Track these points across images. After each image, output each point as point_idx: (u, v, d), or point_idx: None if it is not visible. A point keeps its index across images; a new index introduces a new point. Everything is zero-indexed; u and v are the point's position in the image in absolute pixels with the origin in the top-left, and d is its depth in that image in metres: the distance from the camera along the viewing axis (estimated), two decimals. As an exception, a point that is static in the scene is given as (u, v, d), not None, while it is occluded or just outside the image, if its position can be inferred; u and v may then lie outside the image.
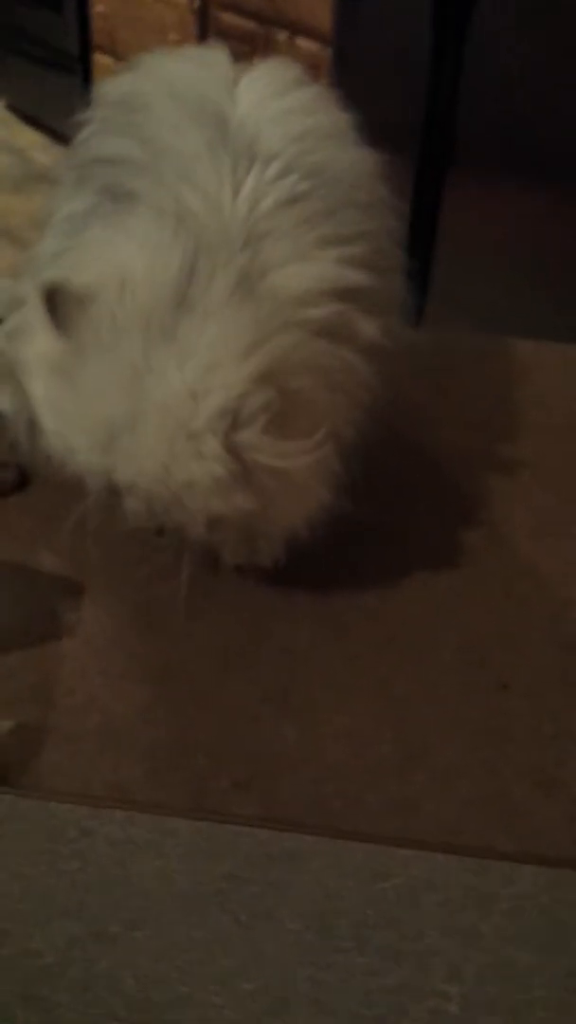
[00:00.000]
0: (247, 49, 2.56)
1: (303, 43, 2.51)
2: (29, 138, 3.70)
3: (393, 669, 0.69)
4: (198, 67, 0.72)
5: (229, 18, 2.73)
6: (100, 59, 3.32)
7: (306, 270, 0.62)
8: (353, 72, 2.18)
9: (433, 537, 0.80)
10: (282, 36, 2.45)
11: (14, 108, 3.90)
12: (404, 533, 0.80)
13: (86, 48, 3.37)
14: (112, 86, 0.76)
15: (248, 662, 0.68)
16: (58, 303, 0.60)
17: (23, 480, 0.81)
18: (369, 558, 0.78)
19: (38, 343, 0.62)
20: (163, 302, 0.59)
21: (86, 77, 3.40)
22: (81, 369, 0.60)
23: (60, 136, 3.59)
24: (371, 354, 0.64)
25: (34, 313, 0.61)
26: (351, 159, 0.68)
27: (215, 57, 0.72)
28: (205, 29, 2.85)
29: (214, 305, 0.59)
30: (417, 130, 2.04)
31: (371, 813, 0.60)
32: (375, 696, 0.67)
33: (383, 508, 0.82)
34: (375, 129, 0.72)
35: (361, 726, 0.65)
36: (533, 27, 1.72)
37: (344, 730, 0.64)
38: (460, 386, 0.97)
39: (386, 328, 0.65)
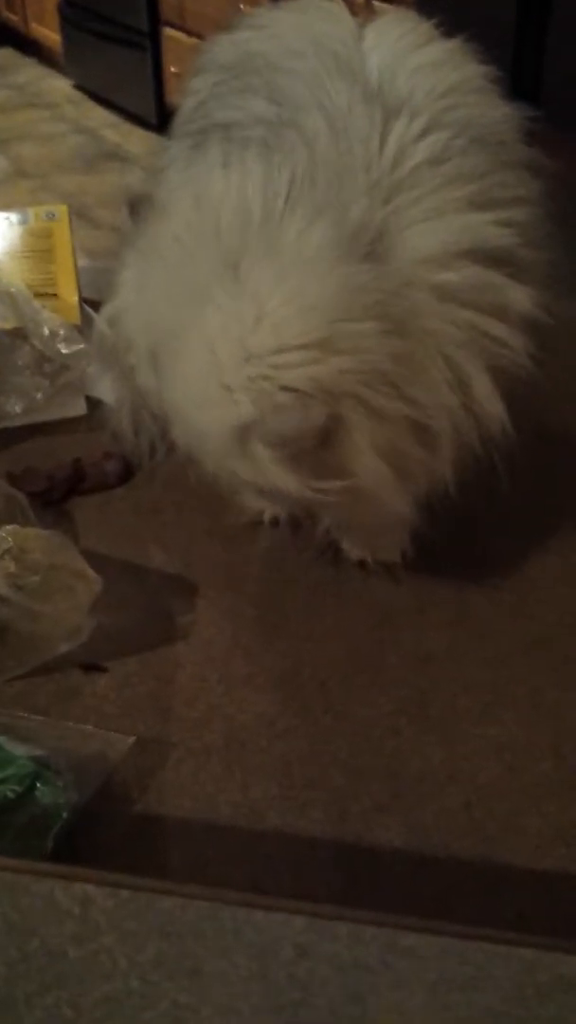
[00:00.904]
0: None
1: (380, 5, 2.41)
2: (100, 117, 3.67)
3: (543, 674, 0.62)
4: (319, 20, 0.65)
5: (301, -18, 2.65)
6: (170, 34, 3.26)
7: (444, 227, 0.55)
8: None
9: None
10: (358, -3, 2.36)
11: (83, 88, 3.88)
12: (546, 522, 0.73)
13: (155, 24, 3.31)
14: (221, 49, 0.70)
15: (380, 668, 0.62)
16: (139, 211, 0.57)
17: (128, 472, 0.76)
18: (508, 551, 0.71)
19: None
20: (235, 228, 0.52)
21: (156, 53, 3.35)
22: (148, 274, 0.56)
23: (130, 114, 3.57)
24: (523, 327, 0.57)
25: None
26: (500, 116, 0.61)
27: (333, 9, 0.66)
28: (276, -5, 2.78)
29: (300, 251, 0.51)
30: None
31: (531, 840, 0.53)
32: (526, 705, 0.60)
33: (523, 495, 0.75)
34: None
35: (513, 740, 0.58)
36: None
37: (494, 745, 0.58)
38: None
39: (540, 300, 0.58)
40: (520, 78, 1.76)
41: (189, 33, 3.16)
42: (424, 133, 0.56)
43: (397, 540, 0.69)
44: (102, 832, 0.53)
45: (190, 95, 0.71)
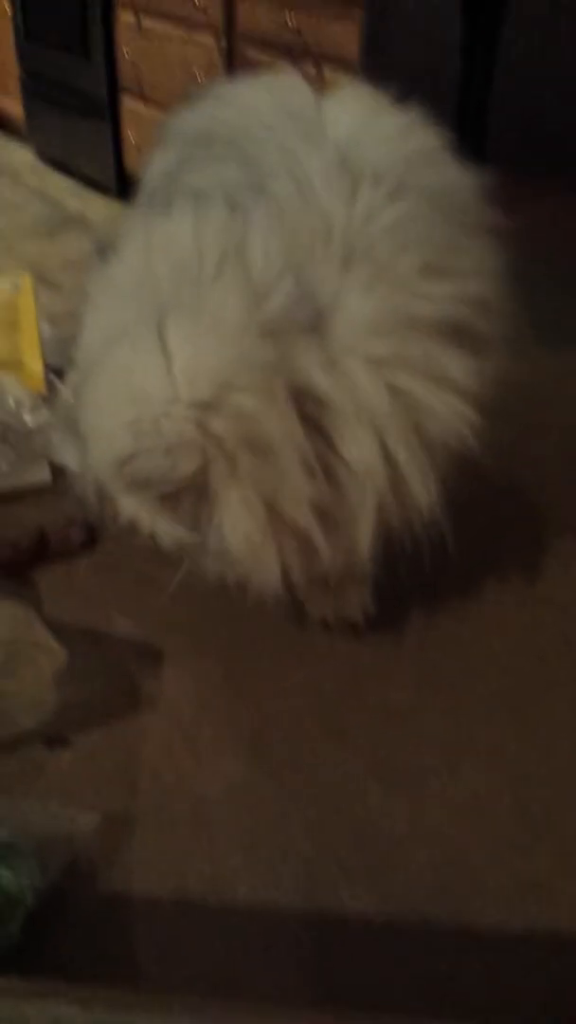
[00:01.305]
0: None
1: (331, 74, 2.49)
2: (61, 184, 3.73)
3: (505, 731, 0.62)
4: (282, 92, 0.68)
5: (256, 54, 2.72)
6: (128, 102, 3.34)
7: (389, 295, 0.55)
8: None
9: (541, 583, 0.74)
10: (310, 68, 2.44)
11: (44, 155, 3.95)
12: (506, 579, 0.74)
13: (114, 93, 3.39)
14: (185, 121, 0.72)
15: (346, 727, 0.62)
16: (105, 257, 0.58)
17: (92, 538, 0.76)
18: (467, 605, 0.72)
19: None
20: (171, 279, 0.54)
21: (115, 122, 3.42)
22: (90, 314, 0.58)
23: (91, 181, 3.63)
24: (466, 398, 0.56)
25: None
26: (460, 182, 0.62)
27: (292, 82, 0.68)
28: (232, 67, 2.86)
29: (217, 315, 0.52)
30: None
31: (500, 899, 0.53)
32: (489, 763, 0.60)
33: (480, 551, 0.76)
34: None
35: (478, 797, 0.58)
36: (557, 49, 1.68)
37: (460, 803, 0.58)
38: (557, 421, 0.91)
39: (491, 371, 0.57)
40: (463, 128, 1.82)
41: (147, 102, 3.24)
42: (389, 199, 0.56)
43: (360, 598, 0.70)
44: (70, 914, 0.52)
45: (155, 165, 0.73)
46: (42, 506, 0.81)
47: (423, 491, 0.56)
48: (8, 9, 3.80)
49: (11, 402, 0.84)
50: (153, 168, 0.73)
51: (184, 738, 0.62)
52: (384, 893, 0.53)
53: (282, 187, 0.57)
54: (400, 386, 0.54)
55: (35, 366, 0.89)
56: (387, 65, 2.08)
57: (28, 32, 3.73)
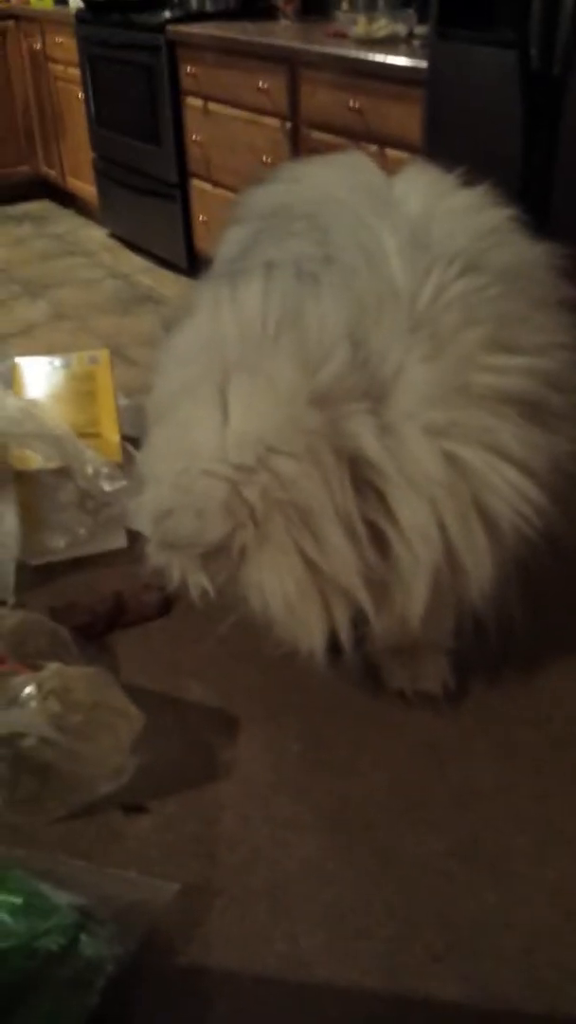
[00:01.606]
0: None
1: (393, 153, 2.57)
2: (134, 263, 3.87)
3: (596, 809, 0.60)
4: (352, 170, 0.70)
5: (319, 136, 2.82)
6: (198, 185, 3.47)
7: (450, 366, 0.55)
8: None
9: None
10: (372, 148, 2.51)
11: (117, 236, 4.11)
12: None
13: (184, 176, 3.53)
14: (260, 198, 0.75)
15: (428, 805, 0.61)
16: (171, 329, 0.60)
17: (167, 603, 0.77)
18: (553, 680, 0.70)
19: None
20: (236, 339, 0.54)
21: (185, 203, 3.56)
22: (161, 374, 0.59)
23: (162, 260, 3.76)
24: (520, 469, 0.55)
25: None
26: (532, 256, 0.63)
27: (360, 161, 0.70)
28: (297, 148, 2.96)
29: (273, 379, 0.52)
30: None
31: (595, 990, 0.51)
32: (580, 843, 0.58)
33: (565, 623, 0.75)
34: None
35: (570, 881, 0.56)
36: None
37: (550, 887, 0.56)
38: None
39: (552, 445, 0.56)
40: (527, 204, 1.85)
41: (215, 184, 3.36)
42: (461, 274, 0.57)
43: (438, 669, 0.68)
44: (147, 985, 0.51)
45: (228, 244, 0.75)
46: (118, 571, 0.82)
47: (478, 563, 0.55)
48: (81, 96, 4.01)
49: (89, 470, 0.86)
50: (227, 244, 0.75)
51: (260, 810, 0.61)
52: (472, 980, 0.51)
53: (352, 256, 0.58)
54: (458, 455, 0.54)
55: (112, 436, 0.91)
56: (449, 144, 2.13)
57: (100, 118, 3.92)
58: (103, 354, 0.96)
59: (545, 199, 1.77)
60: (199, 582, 0.56)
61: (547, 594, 0.75)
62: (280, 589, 0.53)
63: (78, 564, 0.83)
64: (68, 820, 0.60)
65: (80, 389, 0.92)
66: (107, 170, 4.00)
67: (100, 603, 0.77)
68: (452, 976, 0.51)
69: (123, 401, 0.96)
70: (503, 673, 0.70)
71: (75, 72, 4.05)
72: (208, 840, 0.59)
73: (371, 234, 0.60)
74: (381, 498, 0.53)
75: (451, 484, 0.53)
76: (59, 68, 4.23)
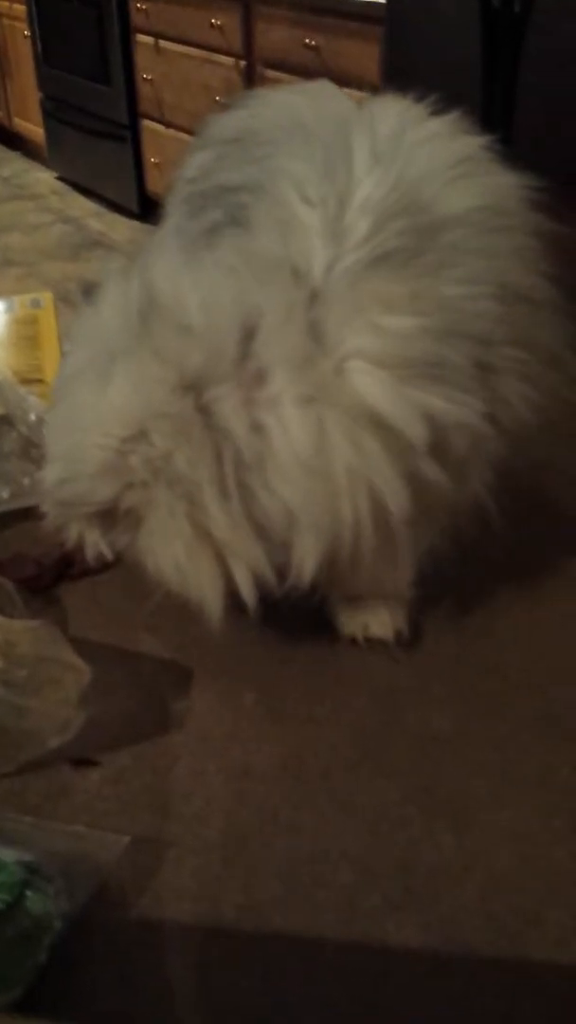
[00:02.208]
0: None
1: (350, 93, 2.50)
2: (83, 207, 3.76)
3: (554, 752, 0.60)
4: (318, 99, 0.66)
5: (275, 75, 2.74)
6: (149, 125, 3.36)
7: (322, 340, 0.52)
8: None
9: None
10: (329, 87, 2.45)
11: (66, 179, 3.98)
12: (547, 593, 0.71)
13: (135, 117, 3.42)
14: (224, 122, 0.71)
15: (385, 751, 0.60)
16: (89, 298, 0.61)
17: (118, 555, 0.74)
18: (510, 624, 0.69)
19: None
20: (112, 329, 0.56)
21: (136, 145, 3.45)
22: (70, 352, 0.62)
23: (113, 204, 3.66)
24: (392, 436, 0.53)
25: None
26: (501, 192, 0.59)
27: (329, 89, 0.67)
28: (251, 87, 2.88)
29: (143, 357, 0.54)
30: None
31: (552, 933, 0.50)
32: (538, 787, 0.57)
33: (521, 566, 0.74)
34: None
35: (527, 825, 0.55)
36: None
37: (508, 831, 0.55)
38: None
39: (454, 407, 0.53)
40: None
41: (167, 124, 3.27)
42: (392, 221, 0.54)
43: (392, 617, 0.67)
44: (98, 940, 0.50)
45: (189, 167, 0.72)
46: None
47: (361, 529, 0.55)
48: (27, 33, 3.85)
49: (32, 417, 0.83)
50: (188, 167, 0.72)
51: (215, 761, 0.59)
52: (430, 925, 0.51)
53: (277, 199, 0.56)
54: (327, 426, 0.53)
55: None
56: (408, 82, 2.08)
57: (47, 57, 3.77)
58: (47, 297, 0.92)
59: (505, 140, 1.73)
60: (95, 541, 0.59)
61: (504, 544, 0.74)
62: (169, 552, 0.56)
63: (23, 515, 0.80)
64: (15, 776, 0.58)
65: (22, 333, 0.88)
66: (55, 111, 3.86)
67: (46, 555, 0.74)
68: (411, 923, 0.51)
69: (68, 348, 0.92)
70: (460, 619, 0.69)
71: (20, 8, 3.88)
72: (160, 792, 0.57)
73: (305, 174, 0.57)
74: (259, 471, 0.54)
75: (323, 459, 0.53)
76: (4, 4, 4.06)
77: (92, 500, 0.56)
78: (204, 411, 0.53)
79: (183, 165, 0.74)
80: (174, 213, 0.72)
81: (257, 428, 0.53)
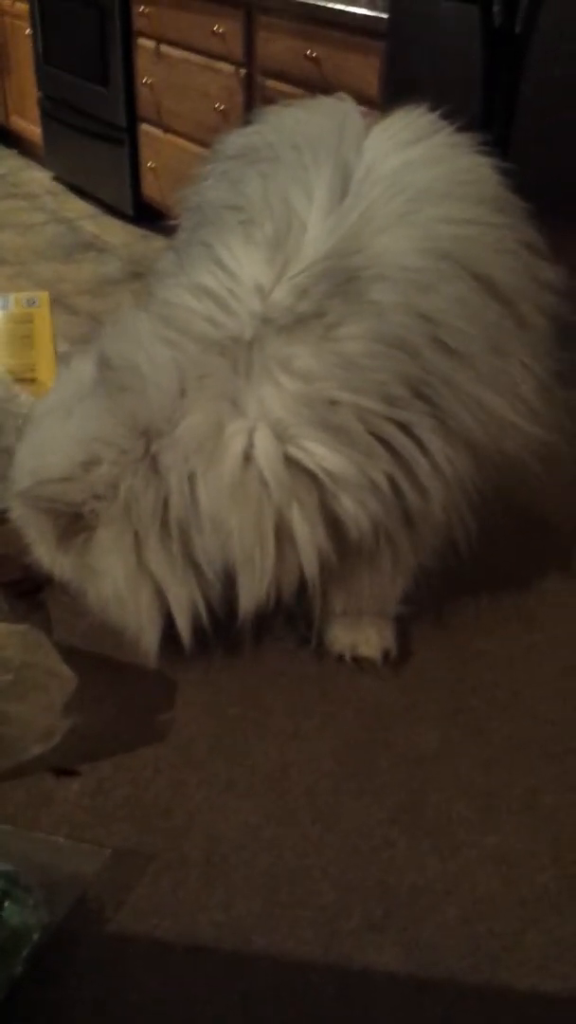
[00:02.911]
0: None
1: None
2: (78, 208, 3.75)
3: (540, 775, 0.59)
4: (325, 117, 0.66)
5: (275, 85, 2.74)
6: (147, 129, 3.36)
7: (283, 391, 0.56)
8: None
9: (569, 618, 0.71)
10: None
11: (62, 180, 3.97)
12: (540, 617, 0.71)
13: (133, 120, 3.42)
14: (231, 140, 0.71)
15: (370, 769, 0.59)
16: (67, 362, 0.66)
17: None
18: (498, 644, 0.69)
19: None
20: (84, 379, 0.61)
21: (133, 148, 3.44)
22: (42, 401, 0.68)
23: (108, 206, 3.64)
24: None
25: None
26: (455, 221, 0.59)
27: (342, 107, 0.67)
28: (251, 97, 2.88)
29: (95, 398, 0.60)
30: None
31: (534, 959, 0.50)
32: (523, 810, 0.57)
33: (510, 587, 0.74)
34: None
35: (511, 849, 0.55)
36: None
37: (491, 854, 0.55)
38: None
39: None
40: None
41: (165, 130, 3.26)
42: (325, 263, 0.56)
43: (380, 637, 0.67)
44: (75, 954, 0.49)
45: (197, 182, 0.72)
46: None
47: (307, 560, 0.58)
48: (28, 32, 3.84)
49: (25, 412, 0.82)
50: (196, 182, 0.72)
51: (197, 774, 0.59)
52: (411, 948, 0.50)
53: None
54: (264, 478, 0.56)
55: (50, 382, 0.87)
56: (407, 98, 2.09)
57: (48, 56, 3.76)
58: (42, 297, 0.92)
59: (502, 159, 1.74)
60: (45, 553, 0.63)
61: (495, 564, 0.74)
62: (111, 578, 0.59)
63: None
64: (-5, 783, 0.57)
65: (17, 332, 0.88)
66: (53, 110, 3.85)
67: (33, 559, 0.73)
68: (391, 945, 0.50)
69: (63, 348, 0.91)
70: (448, 640, 0.69)
71: (23, 7, 3.87)
72: (142, 805, 0.57)
73: (266, 208, 0.59)
74: (194, 518, 0.58)
75: (240, 515, 0.57)
76: (6, 2, 4.04)
77: (62, 499, 0.59)
78: (152, 457, 0.57)
79: (195, 181, 0.74)
80: (182, 228, 0.72)
81: (191, 480, 0.57)
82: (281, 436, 0.56)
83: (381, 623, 0.67)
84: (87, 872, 0.52)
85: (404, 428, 0.57)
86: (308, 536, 0.57)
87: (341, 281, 0.56)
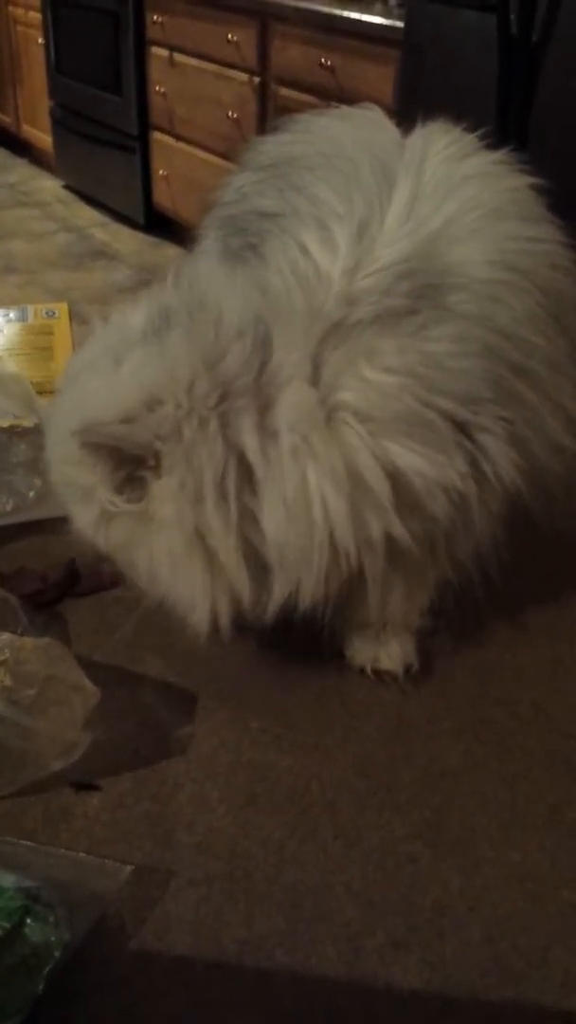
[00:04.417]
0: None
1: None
2: (88, 216, 3.76)
3: (564, 790, 0.59)
4: (360, 127, 0.66)
5: (288, 93, 2.75)
6: (159, 138, 3.37)
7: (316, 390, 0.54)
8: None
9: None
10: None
11: (72, 188, 3.99)
12: (558, 628, 0.71)
13: (145, 128, 3.43)
14: (267, 147, 0.71)
15: (393, 786, 0.59)
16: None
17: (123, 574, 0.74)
18: (521, 658, 0.68)
19: None
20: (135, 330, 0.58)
21: (145, 156, 3.46)
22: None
23: (119, 214, 3.66)
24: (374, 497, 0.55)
25: None
26: (519, 238, 0.60)
27: (375, 117, 0.67)
28: (265, 105, 2.88)
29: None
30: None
31: (558, 976, 0.50)
32: (546, 826, 0.57)
33: (535, 602, 0.73)
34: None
35: (535, 865, 0.55)
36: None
37: (515, 871, 0.54)
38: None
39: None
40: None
41: (178, 138, 3.27)
42: (402, 278, 0.56)
43: (403, 650, 0.67)
44: (96, 971, 0.49)
45: (228, 189, 0.73)
46: (72, 539, 0.78)
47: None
48: (41, 41, 3.86)
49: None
50: (227, 189, 0.72)
51: (218, 789, 0.58)
52: (434, 965, 0.50)
53: (293, 239, 0.58)
54: (311, 478, 0.54)
55: (69, 393, 0.87)
56: (423, 107, 2.09)
57: (60, 65, 3.78)
58: (62, 308, 0.92)
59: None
60: (107, 497, 0.57)
61: (519, 576, 0.73)
62: (166, 543, 0.55)
63: (29, 529, 0.79)
64: (14, 798, 0.57)
65: (37, 344, 0.88)
66: (65, 119, 3.87)
67: (52, 570, 0.73)
68: (414, 962, 0.50)
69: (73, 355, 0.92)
70: (472, 653, 0.69)
71: (36, 16, 3.89)
72: (163, 820, 0.56)
73: (337, 210, 0.58)
74: (254, 494, 0.55)
75: (302, 508, 0.54)
76: (19, 11, 4.07)
77: (127, 438, 0.55)
78: (222, 416, 0.54)
79: (222, 188, 0.74)
80: (208, 236, 0.72)
81: (264, 453, 0.54)
82: (368, 427, 0.54)
83: (404, 636, 0.67)
84: (108, 889, 0.52)
85: (478, 434, 0.56)
86: (379, 534, 0.55)
87: (424, 284, 0.55)
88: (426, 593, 0.64)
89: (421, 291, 0.55)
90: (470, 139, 0.64)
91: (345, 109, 0.70)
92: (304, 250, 0.57)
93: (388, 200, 0.58)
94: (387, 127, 0.66)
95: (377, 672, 0.66)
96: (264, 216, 0.63)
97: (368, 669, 0.66)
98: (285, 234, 0.59)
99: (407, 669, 0.66)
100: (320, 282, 0.56)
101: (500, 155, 0.64)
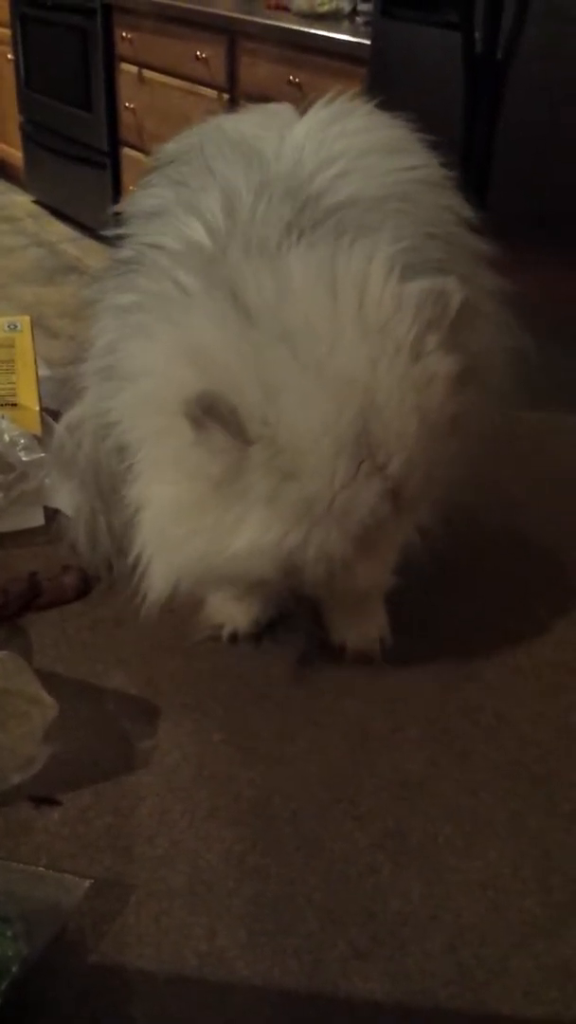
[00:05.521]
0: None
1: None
2: (59, 231, 3.75)
3: (525, 800, 0.59)
4: (256, 117, 0.67)
5: (257, 109, 2.77)
6: (129, 153, 3.38)
7: None
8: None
9: (560, 649, 0.71)
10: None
11: (43, 203, 3.98)
12: (520, 635, 0.71)
13: (115, 144, 3.44)
14: (167, 148, 0.72)
15: (356, 796, 0.59)
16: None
17: (86, 586, 0.73)
18: (483, 667, 0.69)
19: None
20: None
21: (115, 171, 3.46)
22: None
23: (89, 229, 3.65)
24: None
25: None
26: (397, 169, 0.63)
27: (277, 108, 0.68)
28: (233, 121, 2.90)
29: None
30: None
31: (520, 985, 0.50)
32: (509, 834, 0.57)
33: (498, 607, 0.74)
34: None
35: (496, 874, 0.55)
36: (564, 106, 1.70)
37: (477, 879, 0.54)
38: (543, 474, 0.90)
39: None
40: (467, 185, 1.84)
41: (147, 154, 3.28)
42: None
43: (378, 626, 0.68)
44: (55, 986, 0.48)
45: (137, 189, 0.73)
46: (34, 551, 0.78)
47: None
48: (10, 57, 3.86)
49: (6, 439, 0.82)
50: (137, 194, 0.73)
51: (180, 802, 0.58)
52: (396, 975, 0.50)
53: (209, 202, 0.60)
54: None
55: (32, 406, 0.87)
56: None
57: (30, 81, 3.78)
58: (24, 321, 0.92)
59: (483, 185, 1.76)
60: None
61: (480, 586, 0.74)
62: (258, 506, 0.52)
63: (-8, 540, 0.78)
64: (-26, 812, 0.56)
65: (-1, 356, 0.87)
66: (35, 134, 3.87)
67: (13, 583, 0.73)
68: (376, 973, 0.50)
69: (44, 372, 0.91)
70: (434, 663, 0.69)
71: (5, 32, 3.89)
72: (124, 833, 0.56)
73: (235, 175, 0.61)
74: None
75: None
76: (-13, 26, 4.07)
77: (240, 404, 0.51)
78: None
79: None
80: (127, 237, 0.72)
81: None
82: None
83: (378, 610, 0.68)
84: (68, 902, 0.51)
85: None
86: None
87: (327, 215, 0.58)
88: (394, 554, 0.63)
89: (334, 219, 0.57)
90: (365, 109, 0.66)
91: (254, 106, 0.72)
92: (179, 236, 0.59)
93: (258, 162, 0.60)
94: (282, 115, 0.67)
95: (355, 649, 0.67)
96: (145, 217, 0.64)
97: (349, 646, 0.68)
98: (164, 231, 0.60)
99: (381, 644, 0.67)
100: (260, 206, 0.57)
101: (372, 108, 0.66)
